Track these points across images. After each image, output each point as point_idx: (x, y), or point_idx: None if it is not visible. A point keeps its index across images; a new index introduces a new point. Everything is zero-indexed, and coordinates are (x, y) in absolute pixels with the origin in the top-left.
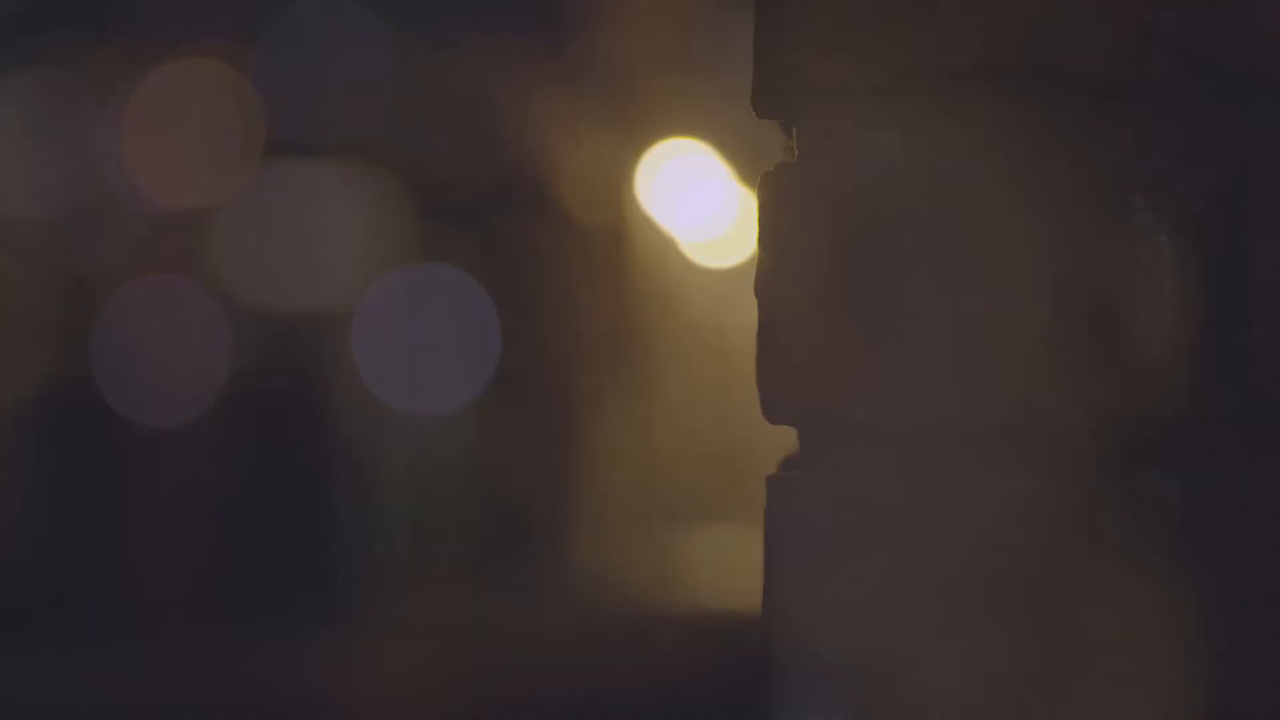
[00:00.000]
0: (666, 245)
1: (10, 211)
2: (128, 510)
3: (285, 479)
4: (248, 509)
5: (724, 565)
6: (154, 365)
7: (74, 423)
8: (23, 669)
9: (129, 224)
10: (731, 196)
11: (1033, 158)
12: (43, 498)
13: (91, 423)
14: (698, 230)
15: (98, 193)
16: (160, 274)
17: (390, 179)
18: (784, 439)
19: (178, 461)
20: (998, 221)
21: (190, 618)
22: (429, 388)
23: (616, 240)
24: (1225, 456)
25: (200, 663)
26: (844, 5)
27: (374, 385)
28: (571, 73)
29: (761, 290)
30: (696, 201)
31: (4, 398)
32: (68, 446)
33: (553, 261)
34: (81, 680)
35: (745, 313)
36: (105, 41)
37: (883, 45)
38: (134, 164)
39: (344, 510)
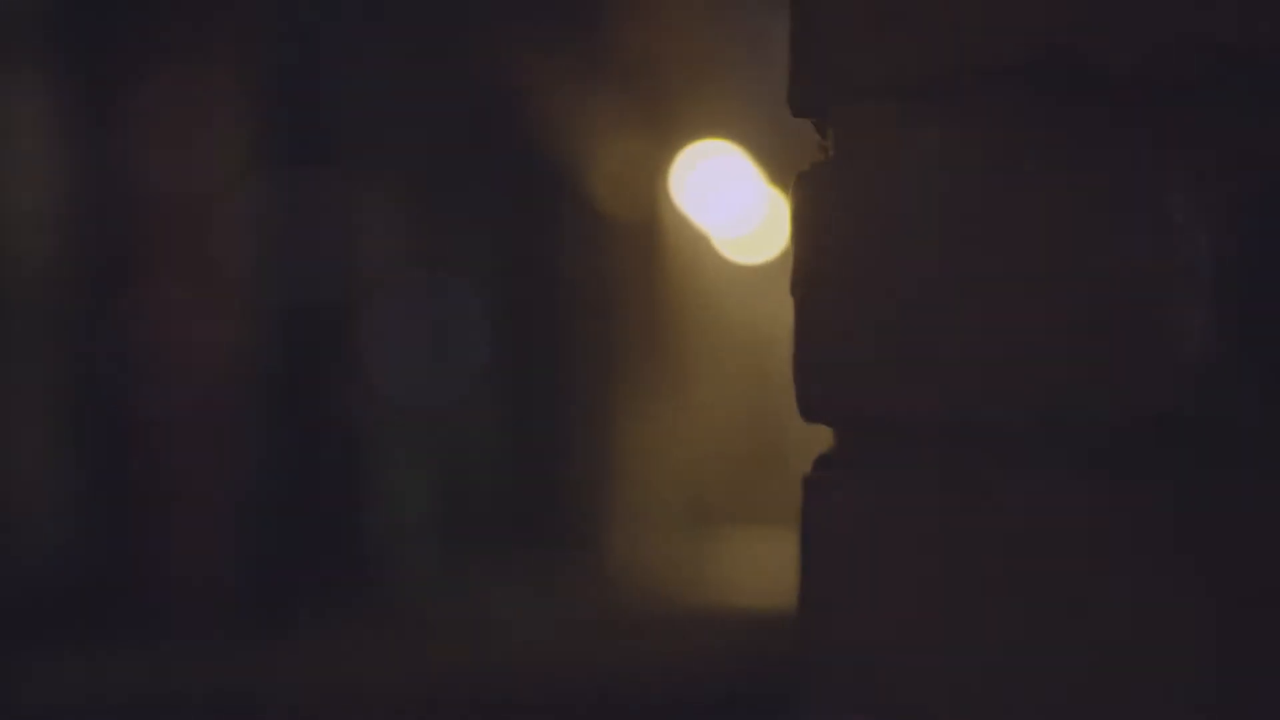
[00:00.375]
0: (699, 241)
1: (31, 206)
2: (147, 506)
3: (313, 475)
4: (274, 504)
5: (757, 564)
6: (176, 358)
7: (98, 415)
8: (49, 668)
9: (148, 220)
10: (761, 194)
11: (1070, 157)
12: (66, 493)
13: (114, 415)
14: (728, 227)
15: (113, 190)
16: (182, 269)
17: (423, 174)
18: (819, 437)
19: (201, 455)
20: (1034, 221)
21: (215, 615)
22: (457, 382)
23: (649, 235)
24: (1262, 459)
25: (228, 662)
26: (882, 2)
27: (404, 379)
28: (603, 71)
29: (798, 289)
30: (727, 199)
31: (32, 393)
32: (92, 440)
33: (586, 257)
34: (103, 680)
35: (776, 307)
36: (119, 39)
37: (920, 43)
38: (148, 160)
39: (373, 507)
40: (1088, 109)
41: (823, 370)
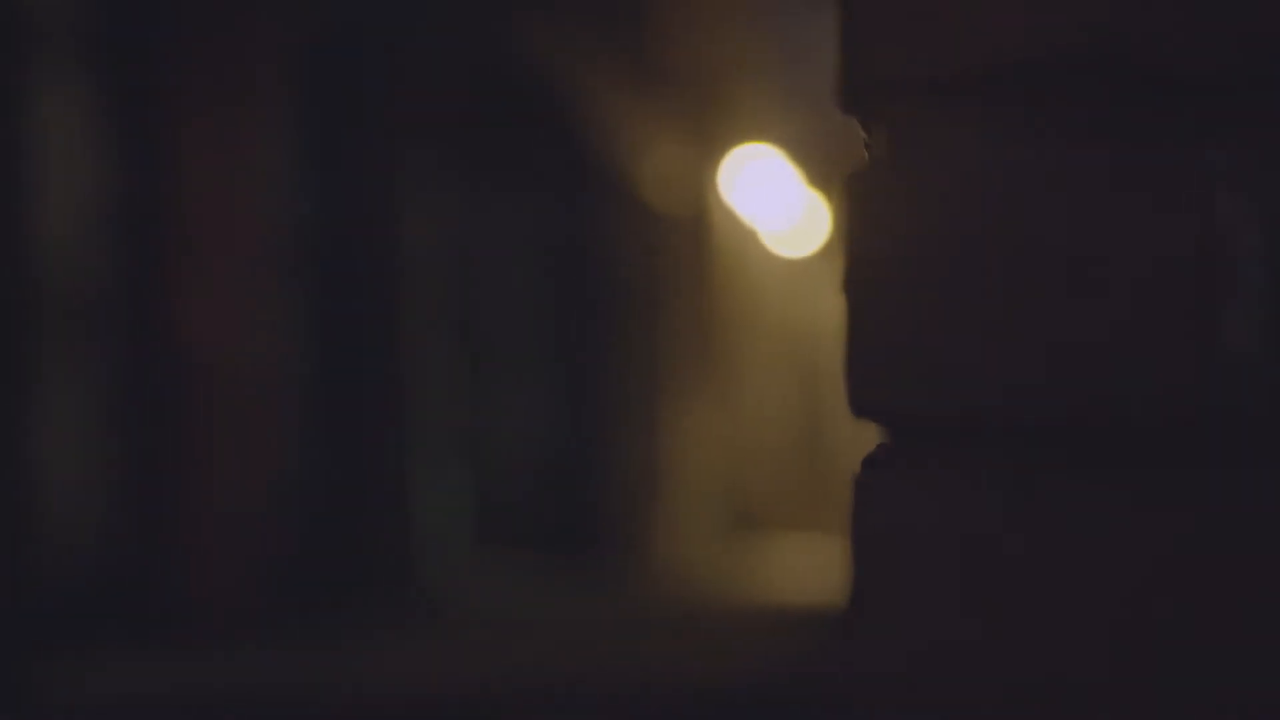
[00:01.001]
0: (745, 236)
1: (73, 208)
2: (186, 508)
3: (354, 475)
4: (313, 504)
5: (801, 566)
6: (216, 360)
7: (138, 417)
8: (88, 667)
9: (188, 220)
10: (801, 193)
11: (1121, 154)
12: (106, 495)
13: (154, 417)
14: (771, 223)
15: (152, 190)
16: (223, 269)
17: (472, 172)
18: (862, 431)
19: (241, 457)
20: (1086, 217)
21: (254, 616)
22: (501, 379)
23: (697, 231)
24: None
25: (265, 661)
26: (929, 0)
27: (446, 377)
28: (654, 76)
29: (849, 288)
30: (769, 197)
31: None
32: (132, 442)
33: (634, 254)
34: (140, 679)
35: (819, 301)
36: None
37: (968, 40)
38: (188, 160)
39: (414, 507)
40: (1139, 107)
41: (874, 368)
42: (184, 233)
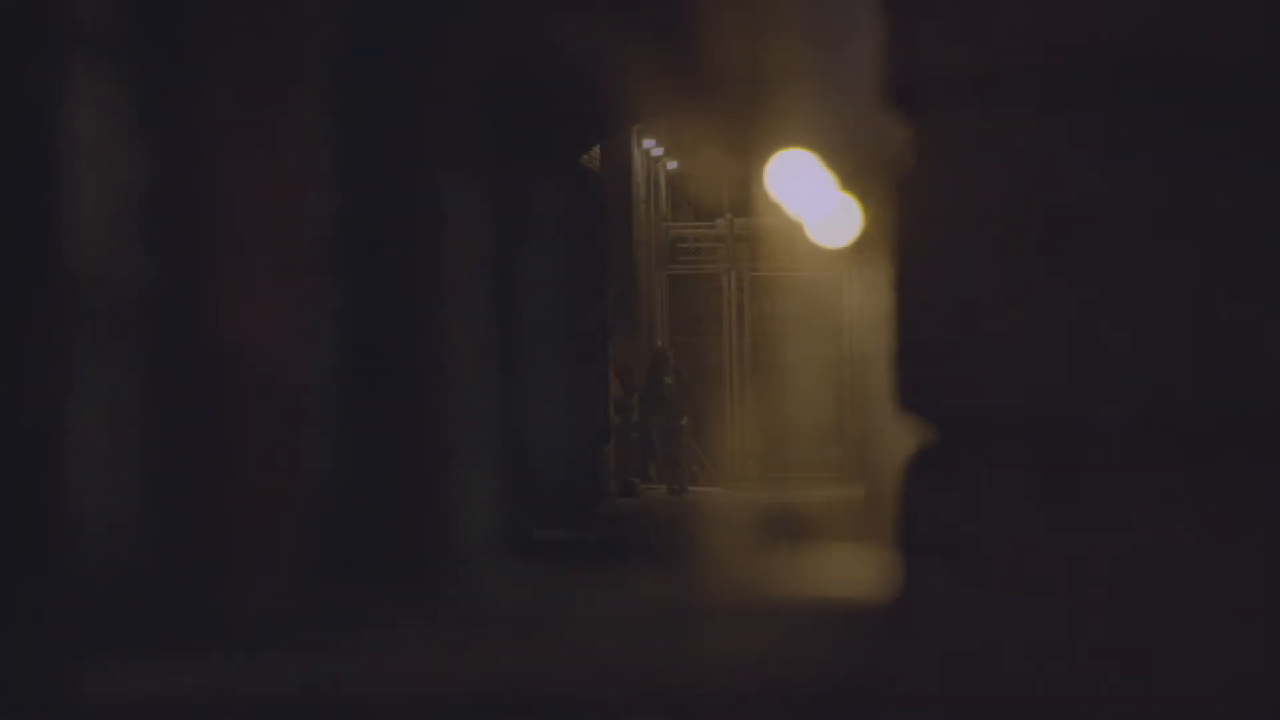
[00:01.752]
0: (788, 231)
1: (107, 206)
2: (219, 509)
3: (392, 471)
4: (352, 500)
5: (840, 566)
6: (248, 359)
7: (171, 417)
8: (120, 668)
9: (220, 219)
10: (833, 193)
11: (1174, 156)
12: (140, 496)
13: (186, 417)
14: (807, 219)
15: (183, 188)
16: (253, 268)
17: (503, 172)
18: (899, 426)
19: (273, 457)
20: (1138, 217)
21: (288, 616)
22: (535, 380)
23: (737, 228)
24: None
25: (299, 661)
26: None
27: (477, 379)
28: (697, 84)
29: (899, 287)
30: (804, 197)
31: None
32: (165, 443)
33: (676, 252)
34: (172, 679)
35: (851, 299)
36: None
37: (1013, 39)
38: (218, 159)
39: (447, 507)
40: (1193, 109)
41: (922, 367)
42: (219, 231)
